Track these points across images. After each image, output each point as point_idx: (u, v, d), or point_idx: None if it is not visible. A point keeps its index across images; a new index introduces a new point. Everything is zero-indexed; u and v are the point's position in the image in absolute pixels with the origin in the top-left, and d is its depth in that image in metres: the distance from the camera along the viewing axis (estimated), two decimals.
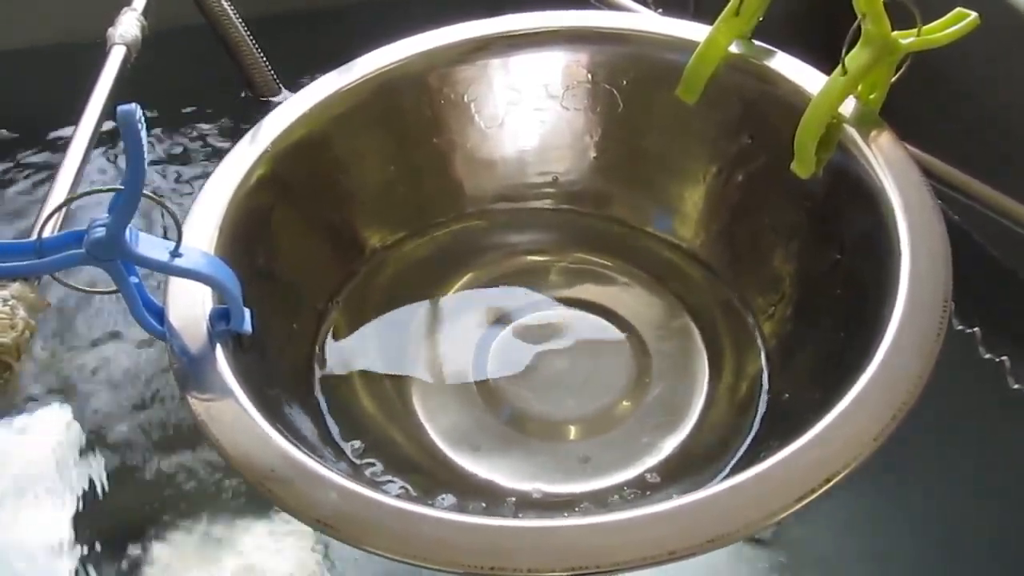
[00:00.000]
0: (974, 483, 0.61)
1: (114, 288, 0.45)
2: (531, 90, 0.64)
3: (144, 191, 0.41)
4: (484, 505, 0.52)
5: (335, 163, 0.61)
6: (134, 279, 0.46)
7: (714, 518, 0.41)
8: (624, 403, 0.57)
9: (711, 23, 0.58)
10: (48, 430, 0.64)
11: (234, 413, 0.45)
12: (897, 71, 0.54)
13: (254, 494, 0.45)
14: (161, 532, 0.59)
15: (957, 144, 0.61)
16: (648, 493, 0.53)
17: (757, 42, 0.59)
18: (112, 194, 0.42)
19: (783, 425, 0.51)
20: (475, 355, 0.59)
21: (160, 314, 0.48)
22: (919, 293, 0.46)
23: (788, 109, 0.55)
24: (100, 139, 0.64)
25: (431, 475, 0.54)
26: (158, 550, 0.59)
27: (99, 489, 0.61)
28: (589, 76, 0.63)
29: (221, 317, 0.48)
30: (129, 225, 0.42)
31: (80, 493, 0.61)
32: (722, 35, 0.58)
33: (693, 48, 0.59)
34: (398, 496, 0.50)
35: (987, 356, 0.59)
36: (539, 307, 0.61)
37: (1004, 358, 0.59)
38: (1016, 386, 0.59)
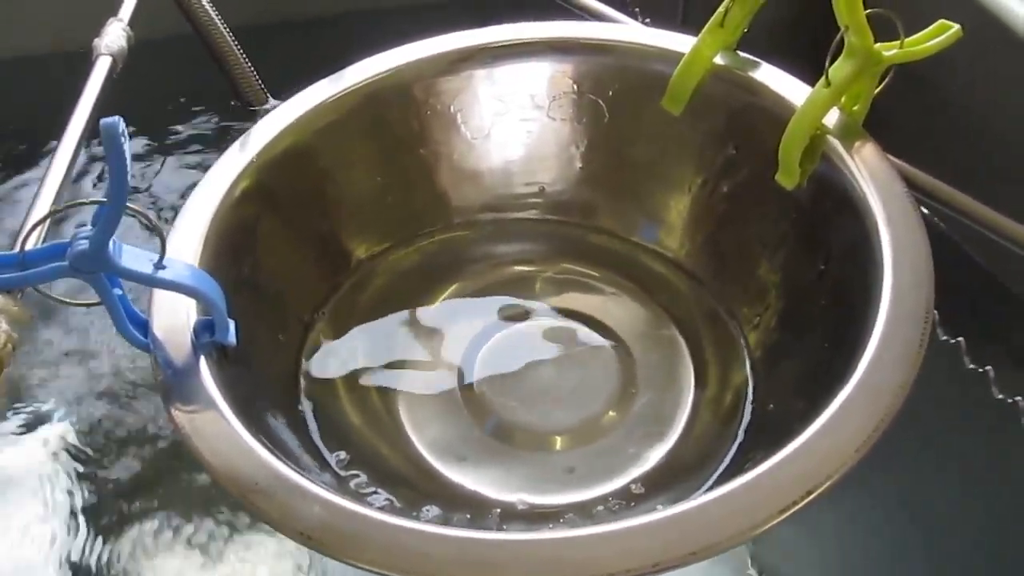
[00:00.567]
0: (960, 493, 0.61)
1: (98, 300, 0.45)
2: (517, 101, 0.64)
3: (128, 203, 0.41)
4: (469, 517, 0.52)
5: (321, 173, 0.61)
6: (118, 291, 0.46)
7: (698, 530, 0.41)
8: (610, 413, 0.57)
9: (697, 34, 0.59)
10: (31, 439, 0.64)
11: (218, 426, 0.45)
12: (880, 83, 0.54)
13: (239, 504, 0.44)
14: (144, 540, 0.59)
15: (940, 154, 0.61)
16: (633, 504, 0.53)
17: (742, 53, 0.59)
18: (95, 206, 0.42)
19: (768, 435, 0.51)
20: (461, 365, 0.59)
21: (144, 326, 0.48)
22: (902, 304, 0.47)
23: (773, 120, 0.55)
24: (86, 150, 0.64)
25: (416, 487, 0.54)
26: (142, 558, 0.59)
27: (79, 499, 0.61)
28: (575, 87, 0.63)
29: (206, 329, 0.48)
30: (113, 237, 0.42)
31: (62, 501, 0.61)
32: (707, 46, 0.58)
33: (678, 59, 0.59)
34: (383, 508, 0.50)
35: (972, 366, 0.60)
36: (525, 318, 0.61)
37: (989, 368, 0.59)
38: (1001, 396, 0.59)
